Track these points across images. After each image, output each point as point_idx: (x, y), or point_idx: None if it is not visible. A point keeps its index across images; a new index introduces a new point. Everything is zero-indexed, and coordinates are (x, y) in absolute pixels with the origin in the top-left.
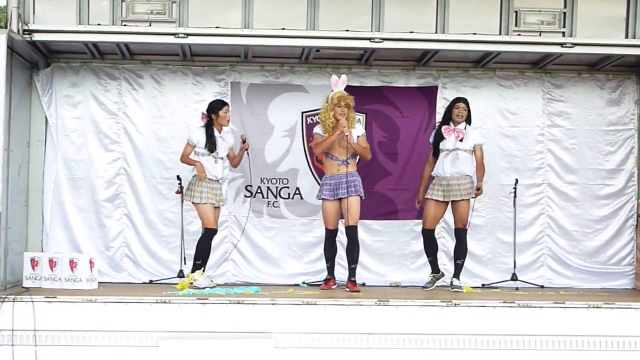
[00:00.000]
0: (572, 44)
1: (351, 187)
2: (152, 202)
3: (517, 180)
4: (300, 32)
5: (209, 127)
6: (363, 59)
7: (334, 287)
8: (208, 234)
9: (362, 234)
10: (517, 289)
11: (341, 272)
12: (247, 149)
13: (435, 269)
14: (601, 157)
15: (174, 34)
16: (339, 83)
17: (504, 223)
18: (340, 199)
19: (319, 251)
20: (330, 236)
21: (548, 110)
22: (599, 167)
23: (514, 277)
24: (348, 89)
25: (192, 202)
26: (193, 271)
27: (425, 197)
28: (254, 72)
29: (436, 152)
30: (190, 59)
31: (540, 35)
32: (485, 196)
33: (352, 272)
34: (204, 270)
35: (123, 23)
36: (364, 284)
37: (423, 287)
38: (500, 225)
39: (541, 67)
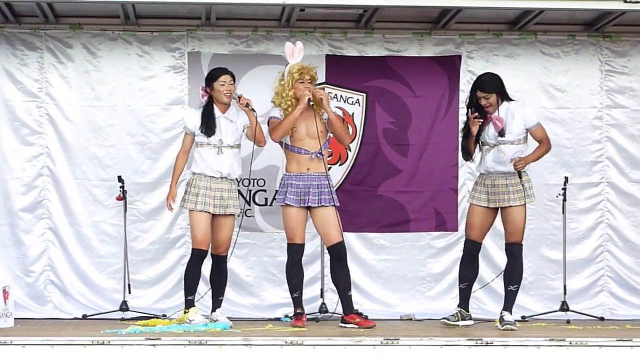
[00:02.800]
0: None
1: (324, 194)
2: (86, 212)
3: (566, 178)
4: None
5: (208, 106)
6: (362, 21)
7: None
8: (194, 258)
9: (362, 251)
10: (568, 321)
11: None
12: (249, 106)
13: (465, 303)
14: None
15: None
16: (295, 52)
17: (551, 235)
18: (308, 208)
19: (308, 273)
20: (297, 255)
21: (607, 86)
22: None
23: (564, 307)
24: (342, 60)
25: (187, 209)
26: (186, 309)
27: (470, 201)
28: (218, 39)
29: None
30: (135, 22)
31: None
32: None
33: (349, 301)
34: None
35: None
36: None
37: (443, 320)
38: (546, 238)
39: (597, 28)
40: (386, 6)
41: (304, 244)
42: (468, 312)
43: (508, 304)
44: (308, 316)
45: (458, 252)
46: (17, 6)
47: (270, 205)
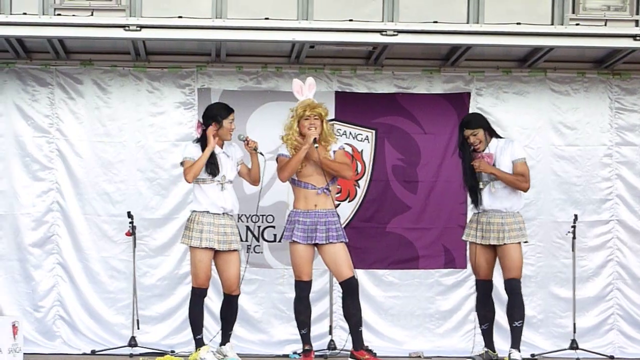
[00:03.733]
0: None
1: (332, 231)
2: (95, 247)
3: (576, 216)
4: (289, 23)
5: (204, 142)
6: (372, 58)
7: None
8: (195, 297)
9: (370, 288)
10: None
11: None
12: (256, 149)
13: (490, 343)
14: None
15: (123, 26)
16: (304, 89)
17: (560, 273)
18: (315, 245)
19: (317, 310)
20: (304, 292)
21: (617, 124)
22: None
23: (573, 345)
24: (351, 97)
25: (189, 246)
26: (197, 348)
27: (464, 238)
28: (228, 75)
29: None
30: (145, 58)
31: (605, 24)
32: (534, 238)
33: (360, 336)
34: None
35: (56, 12)
36: (374, 354)
37: (468, 358)
38: (555, 276)
39: (607, 66)
40: (395, 44)
41: (311, 280)
42: (495, 352)
43: (515, 341)
44: (316, 353)
45: (467, 289)
46: (29, 42)
47: (279, 241)
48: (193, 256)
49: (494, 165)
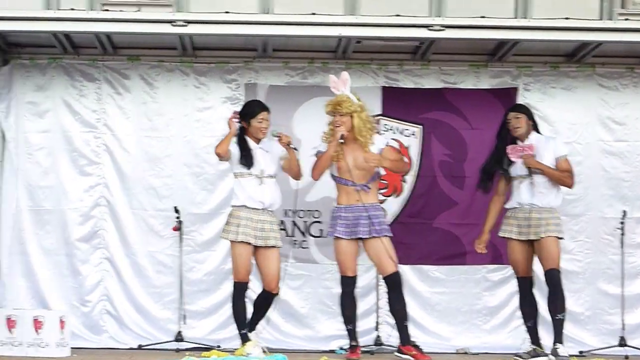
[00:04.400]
0: None
1: (375, 225)
2: (142, 242)
3: (625, 212)
4: (336, 19)
5: (241, 136)
6: (419, 53)
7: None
8: (237, 291)
9: (417, 284)
10: (626, 357)
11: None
12: (290, 144)
13: (535, 338)
14: None
15: (170, 22)
16: (339, 84)
17: (608, 269)
18: (359, 239)
19: (363, 305)
20: (350, 287)
21: None
22: None
23: (622, 342)
24: (398, 92)
25: (228, 240)
26: (243, 343)
27: (501, 234)
28: (275, 70)
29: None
30: (192, 54)
31: None
32: (582, 234)
33: (406, 331)
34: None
35: (104, 7)
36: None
37: (514, 358)
38: (603, 272)
39: None
40: (442, 39)
41: (355, 276)
42: (542, 348)
43: (558, 335)
44: (363, 349)
45: (514, 285)
46: (76, 37)
47: (325, 236)
48: (232, 250)
49: (534, 156)
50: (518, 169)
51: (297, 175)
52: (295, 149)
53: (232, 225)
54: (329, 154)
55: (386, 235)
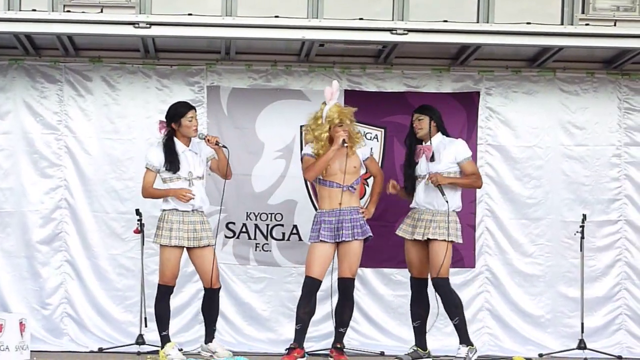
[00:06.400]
0: None
1: (357, 227)
2: (103, 245)
3: (585, 216)
4: (299, 22)
5: (168, 142)
6: (382, 57)
7: (301, 359)
8: (161, 294)
9: (379, 287)
10: None
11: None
12: (218, 144)
13: (420, 339)
14: None
15: (133, 24)
16: (335, 94)
17: (568, 273)
18: (338, 242)
19: (325, 309)
20: (313, 289)
21: (626, 124)
22: None
23: (581, 345)
24: (361, 95)
25: (159, 244)
26: (162, 346)
27: (398, 233)
28: (238, 73)
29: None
30: (155, 56)
31: (615, 25)
32: (542, 237)
33: (340, 337)
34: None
35: (66, 9)
36: (382, 353)
37: (398, 358)
38: (563, 275)
39: (617, 66)
40: (405, 42)
41: (321, 281)
42: (426, 350)
43: (462, 337)
44: (322, 352)
45: (475, 288)
46: (38, 39)
47: (288, 240)
48: (162, 254)
49: (432, 157)
50: (419, 168)
51: (226, 175)
52: (224, 146)
53: (164, 229)
54: (329, 156)
55: (370, 236)
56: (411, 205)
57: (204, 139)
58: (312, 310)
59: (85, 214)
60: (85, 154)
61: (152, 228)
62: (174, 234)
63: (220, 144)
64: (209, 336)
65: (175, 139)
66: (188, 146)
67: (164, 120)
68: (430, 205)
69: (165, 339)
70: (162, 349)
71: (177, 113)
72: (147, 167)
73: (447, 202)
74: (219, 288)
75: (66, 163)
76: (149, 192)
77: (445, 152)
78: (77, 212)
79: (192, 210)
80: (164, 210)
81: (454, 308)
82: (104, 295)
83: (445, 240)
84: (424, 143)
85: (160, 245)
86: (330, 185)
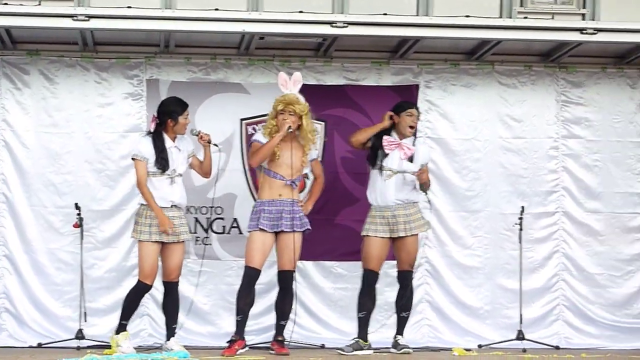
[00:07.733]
0: (595, 29)
1: (296, 219)
2: (42, 239)
3: (523, 208)
4: (239, 14)
5: (158, 136)
6: (321, 50)
7: (242, 351)
8: (139, 290)
9: (319, 280)
10: (524, 350)
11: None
12: (210, 142)
13: (363, 333)
14: (632, 178)
15: (71, 16)
16: (289, 83)
17: (507, 264)
18: (277, 233)
19: (265, 302)
20: (253, 279)
21: (563, 117)
22: (630, 191)
23: (520, 336)
24: (301, 88)
25: (138, 240)
26: (117, 332)
27: (365, 234)
28: (177, 66)
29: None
30: (93, 49)
31: (553, 18)
32: (481, 230)
33: (281, 329)
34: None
35: (3, 1)
36: (323, 346)
37: (338, 350)
38: (502, 267)
39: (554, 59)
40: (345, 35)
41: (260, 271)
42: (367, 342)
43: (400, 328)
44: (262, 345)
45: (415, 280)
46: None
47: (228, 233)
48: (140, 249)
49: (411, 158)
50: (390, 161)
51: (207, 173)
52: (216, 145)
53: (143, 225)
54: (273, 144)
55: (308, 229)
56: (374, 203)
57: (197, 135)
58: (252, 301)
59: (23, 208)
60: (23, 147)
61: (91, 222)
62: (153, 230)
63: (211, 142)
64: (169, 333)
65: (165, 135)
66: (174, 142)
67: (156, 115)
68: (400, 200)
69: (122, 327)
70: (116, 334)
71: (177, 110)
72: (136, 159)
73: (426, 194)
74: (177, 282)
75: (3, 157)
76: (144, 190)
77: (420, 154)
78: (14, 206)
79: (171, 206)
80: (142, 205)
81: (411, 301)
82: (42, 290)
83: (417, 235)
84: (396, 138)
85: (139, 240)
86: (274, 176)
